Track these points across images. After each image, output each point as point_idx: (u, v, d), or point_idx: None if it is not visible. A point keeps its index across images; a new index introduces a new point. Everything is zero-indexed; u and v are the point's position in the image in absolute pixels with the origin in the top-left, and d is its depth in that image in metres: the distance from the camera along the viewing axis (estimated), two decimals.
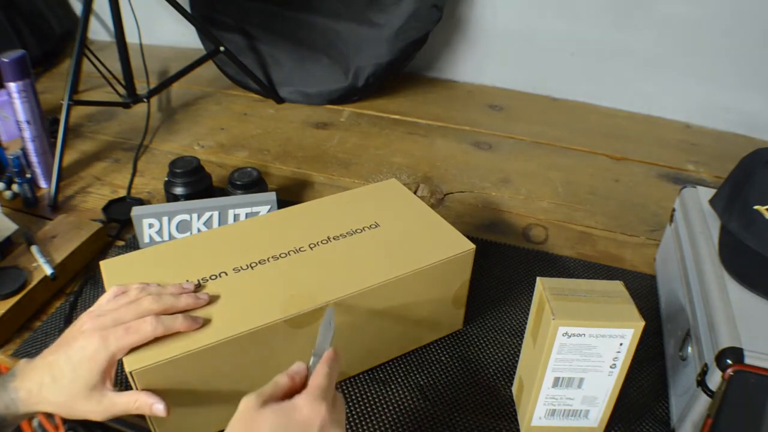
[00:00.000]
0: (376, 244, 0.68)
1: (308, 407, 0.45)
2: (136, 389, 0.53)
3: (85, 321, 0.54)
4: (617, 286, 0.57)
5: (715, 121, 1.25)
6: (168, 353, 0.53)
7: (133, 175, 1.06)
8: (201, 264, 0.64)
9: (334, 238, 0.68)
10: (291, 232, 0.69)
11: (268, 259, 0.65)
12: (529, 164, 1.12)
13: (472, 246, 0.68)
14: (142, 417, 0.58)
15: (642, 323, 0.53)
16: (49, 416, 1.00)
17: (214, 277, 0.62)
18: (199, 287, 0.61)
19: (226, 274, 0.62)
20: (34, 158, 0.99)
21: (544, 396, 0.59)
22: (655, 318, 0.77)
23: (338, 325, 0.62)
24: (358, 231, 0.69)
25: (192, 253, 0.66)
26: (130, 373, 0.52)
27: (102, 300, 0.57)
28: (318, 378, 0.47)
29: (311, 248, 0.66)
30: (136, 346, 0.53)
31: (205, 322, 0.57)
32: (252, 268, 0.63)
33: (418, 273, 0.64)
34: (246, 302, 0.59)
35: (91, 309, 0.56)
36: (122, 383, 0.66)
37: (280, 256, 0.65)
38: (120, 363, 0.54)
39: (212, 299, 0.59)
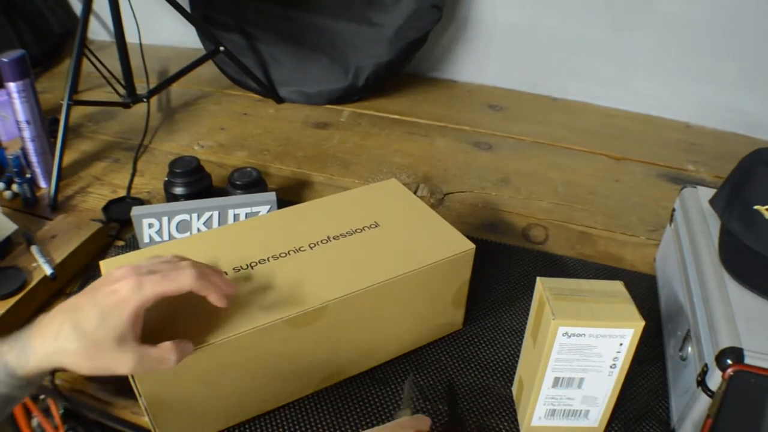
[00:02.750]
0: (375, 243, 0.68)
1: None
2: (136, 389, 0.53)
3: (116, 271, 0.50)
4: (617, 286, 0.57)
5: (715, 121, 1.25)
6: None
7: (133, 175, 1.06)
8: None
9: (333, 238, 0.68)
10: (291, 231, 0.69)
11: (267, 258, 0.65)
12: (529, 164, 1.12)
13: (472, 246, 0.68)
14: (141, 416, 0.58)
15: (642, 323, 0.53)
16: (49, 416, 1.00)
17: None
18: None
19: (226, 274, 0.62)
20: (33, 158, 0.99)
21: (544, 396, 0.59)
22: (655, 318, 0.77)
23: (337, 326, 0.62)
24: (358, 231, 0.69)
25: (192, 253, 0.66)
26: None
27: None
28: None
29: (311, 248, 0.66)
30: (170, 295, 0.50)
31: (206, 322, 0.57)
32: (252, 267, 0.63)
33: (418, 273, 0.64)
34: (245, 302, 0.59)
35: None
36: None
37: (279, 255, 0.65)
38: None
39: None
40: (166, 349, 0.50)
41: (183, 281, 0.49)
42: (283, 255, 0.65)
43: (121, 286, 0.47)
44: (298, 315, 0.58)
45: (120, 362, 0.48)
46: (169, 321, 0.56)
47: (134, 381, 0.53)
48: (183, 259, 0.54)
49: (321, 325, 0.60)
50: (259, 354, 0.59)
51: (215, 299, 0.52)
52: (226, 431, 0.63)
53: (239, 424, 0.63)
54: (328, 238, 0.68)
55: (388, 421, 0.64)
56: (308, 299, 0.59)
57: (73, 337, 0.47)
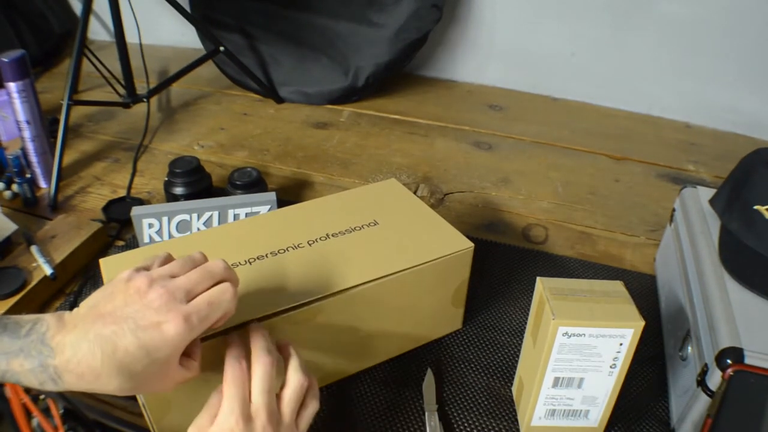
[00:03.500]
0: (374, 241, 0.68)
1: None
2: None
3: (147, 289, 0.45)
4: (617, 286, 0.57)
5: (715, 121, 1.25)
6: None
7: (133, 175, 1.06)
8: None
9: (332, 235, 0.68)
10: (290, 229, 0.69)
11: (266, 254, 0.65)
12: (529, 164, 1.12)
13: (471, 245, 0.68)
14: (140, 416, 0.58)
15: (642, 323, 0.53)
16: (49, 416, 1.00)
17: None
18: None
19: None
20: (33, 158, 0.99)
21: (544, 396, 0.59)
22: (655, 318, 0.77)
23: (336, 323, 0.62)
24: (357, 228, 0.69)
25: (190, 250, 0.66)
26: None
27: (151, 262, 0.49)
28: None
29: (309, 244, 0.66)
30: None
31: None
32: (250, 263, 0.63)
33: (416, 270, 0.64)
34: (243, 298, 0.59)
35: (140, 267, 0.48)
36: None
37: (278, 251, 0.65)
38: None
39: None
40: (193, 367, 0.49)
41: (227, 307, 0.47)
42: (281, 251, 0.65)
43: (168, 327, 0.43)
44: (295, 312, 0.58)
45: (162, 387, 0.47)
46: None
47: None
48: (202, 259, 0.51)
49: (319, 322, 0.61)
50: None
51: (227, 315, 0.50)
52: None
53: None
54: (327, 235, 0.68)
55: (388, 420, 0.64)
56: (305, 295, 0.59)
57: (120, 378, 0.43)
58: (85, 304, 0.45)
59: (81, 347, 0.42)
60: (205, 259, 0.51)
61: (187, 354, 0.48)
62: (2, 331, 0.43)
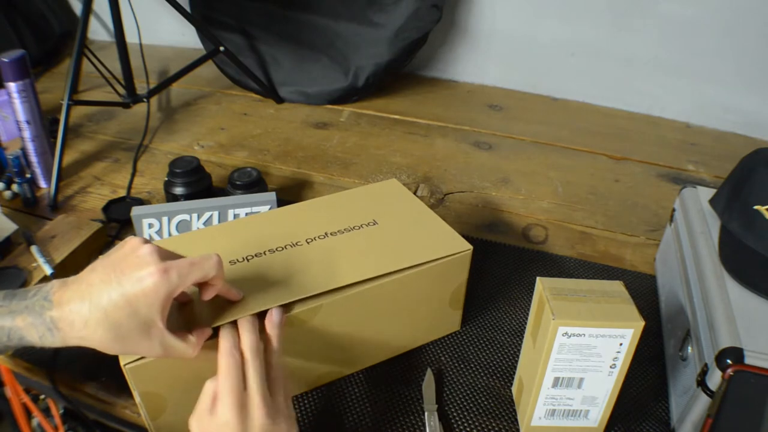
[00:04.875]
0: (373, 240, 0.68)
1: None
2: (132, 385, 0.53)
3: (139, 246, 0.49)
4: (617, 286, 0.57)
5: (715, 121, 1.25)
6: None
7: (133, 175, 1.06)
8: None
9: (331, 234, 0.68)
10: (288, 227, 0.69)
11: (264, 252, 0.65)
12: (529, 164, 1.12)
13: (470, 247, 0.68)
14: (138, 415, 0.58)
15: (642, 323, 0.53)
16: (49, 416, 1.00)
17: None
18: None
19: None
20: (33, 158, 0.99)
21: (544, 396, 0.59)
22: (655, 318, 0.77)
23: (333, 324, 0.62)
24: (356, 228, 0.69)
25: (188, 248, 0.66)
26: (124, 367, 0.52)
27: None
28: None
29: (308, 243, 0.66)
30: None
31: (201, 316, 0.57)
32: (248, 261, 0.63)
33: (415, 272, 0.64)
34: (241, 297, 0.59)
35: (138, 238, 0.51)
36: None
37: (276, 249, 0.65)
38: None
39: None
40: (191, 342, 0.51)
41: (208, 269, 0.50)
42: (280, 249, 0.65)
43: (147, 275, 0.46)
44: (293, 313, 0.58)
45: (147, 349, 0.49)
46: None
47: (129, 377, 0.53)
48: None
49: (316, 323, 0.61)
50: None
51: (234, 295, 0.55)
52: None
53: None
54: (326, 233, 0.68)
55: (386, 420, 0.64)
56: (303, 293, 0.59)
57: (104, 327, 0.46)
58: (89, 266, 0.49)
59: (74, 296, 0.47)
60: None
61: (189, 331, 0.51)
62: (13, 297, 0.49)
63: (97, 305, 0.46)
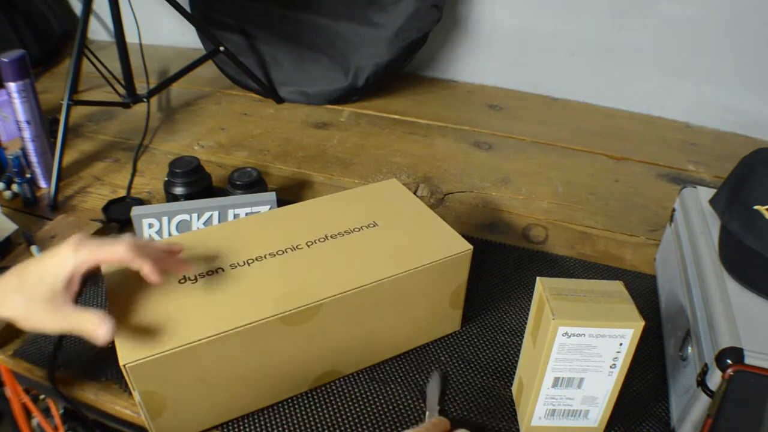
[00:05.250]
0: (373, 243, 0.68)
1: None
2: (131, 384, 0.53)
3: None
4: (617, 286, 0.57)
5: (715, 121, 1.25)
6: (162, 347, 0.53)
7: (133, 175, 1.06)
8: (198, 260, 0.64)
9: (331, 237, 0.68)
10: (289, 229, 0.69)
11: (265, 256, 0.65)
12: (529, 164, 1.12)
13: (470, 247, 0.68)
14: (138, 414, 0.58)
15: (642, 323, 0.53)
16: (49, 416, 1.00)
17: (210, 273, 0.62)
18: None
19: (222, 270, 0.62)
20: (33, 158, 0.99)
21: (544, 396, 0.59)
22: (655, 318, 0.77)
23: (333, 324, 0.62)
24: (356, 230, 0.69)
25: (189, 250, 0.66)
26: (124, 366, 0.52)
27: None
28: None
29: (308, 246, 0.66)
30: (105, 262, 0.55)
31: (199, 314, 0.57)
32: (249, 264, 0.63)
33: (414, 273, 0.64)
34: (241, 298, 0.59)
35: None
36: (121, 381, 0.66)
37: (277, 253, 0.65)
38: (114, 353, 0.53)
39: (207, 294, 0.60)
40: (96, 316, 0.53)
41: (115, 251, 0.54)
42: (280, 252, 0.65)
43: (60, 250, 0.53)
44: (292, 313, 0.58)
45: (47, 321, 0.53)
46: (164, 317, 0.56)
47: (128, 375, 0.53)
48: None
49: (316, 324, 0.61)
50: (254, 351, 0.59)
51: (147, 272, 0.55)
52: (222, 427, 0.63)
53: (235, 420, 0.63)
54: (326, 236, 0.68)
55: (386, 420, 0.64)
56: (303, 297, 0.60)
57: (18, 293, 0.52)
58: None
59: (4, 274, 0.54)
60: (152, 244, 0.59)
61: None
62: None
63: (17, 276, 0.53)
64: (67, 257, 0.52)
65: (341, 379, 0.68)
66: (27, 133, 0.96)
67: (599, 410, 0.60)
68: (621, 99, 1.31)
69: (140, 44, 1.21)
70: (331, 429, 0.63)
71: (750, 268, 0.62)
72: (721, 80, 1.20)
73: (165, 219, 0.82)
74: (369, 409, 0.65)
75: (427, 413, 0.64)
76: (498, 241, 0.91)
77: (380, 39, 1.26)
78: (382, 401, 0.66)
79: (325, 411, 0.65)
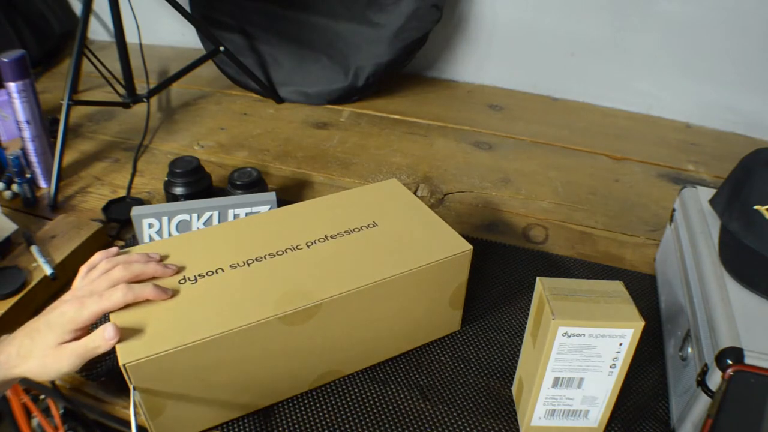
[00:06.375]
0: (373, 243, 0.68)
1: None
2: (130, 384, 0.54)
3: (64, 296, 0.59)
4: (617, 286, 0.57)
5: (715, 121, 1.25)
6: (162, 347, 0.53)
7: (133, 175, 1.06)
8: (197, 260, 0.64)
9: (331, 237, 0.68)
10: (288, 230, 0.69)
11: (264, 256, 0.65)
12: (529, 164, 1.12)
13: (470, 247, 0.68)
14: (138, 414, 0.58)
15: (642, 323, 0.53)
16: (49, 416, 1.00)
17: (210, 273, 0.62)
18: (165, 258, 0.64)
19: (223, 271, 0.62)
20: (33, 158, 0.99)
21: (544, 396, 0.59)
22: (655, 318, 0.77)
23: (333, 325, 0.62)
24: (356, 230, 0.69)
25: (189, 250, 0.66)
26: (124, 366, 0.52)
27: (76, 281, 0.62)
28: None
29: (308, 246, 0.66)
30: (110, 311, 0.57)
31: (196, 313, 0.57)
32: (248, 265, 0.63)
33: (414, 273, 0.64)
34: (241, 299, 0.59)
35: (70, 291, 0.61)
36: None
37: (276, 253, 0.65)
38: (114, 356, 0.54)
39: (207, 294, 0.60)
40: (99, 330, 0.54)
41: (117, 299, 0.57)
42: (280, 253, 0.65)
43: (67, 309, 0.56)
44: (292, 312, 0.58)
45: (62, 365, 0.55)
46: (164, 317, 0.56)
47: (128, 375, 0.53)
48: (120, 261, 0.61)
49: (315, 323, 0.61)
50: (254, 351, 0.59)
51: (153, 299, 0.58)
52: (222, 427, 0.63)
53: (235, 420, 0.63)
54: (326, 236, 0.68)
55: (387, 420, 0.64)
56: (302, 297, 0.59)
57: (30, 351, 0.55)
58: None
59: (12, 336, 0.57)
60: (147, 258, 0.63)
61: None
62: None
63: (27, 336, 0.56)
64: (75, 314, 0.56)
65: (341, 379, 0.68)
66: (27, 133, 0.96)
67: (599, 410, 0.60)
68: (621, 99, 1.31)
69: (140, 44, 1.21)
70: (331, 429, 0.63)
71: (750, 268, 0.62)
72: (722, 80, 1.20)
73: (165, 219, 0.82)
74: (369, 409, 0.65)
75: None
76: (498, 241, 0.91)
77: (380, 39, 1.26)
78: (382, 401, 0.66)
79: (325, 411, 0.65)
